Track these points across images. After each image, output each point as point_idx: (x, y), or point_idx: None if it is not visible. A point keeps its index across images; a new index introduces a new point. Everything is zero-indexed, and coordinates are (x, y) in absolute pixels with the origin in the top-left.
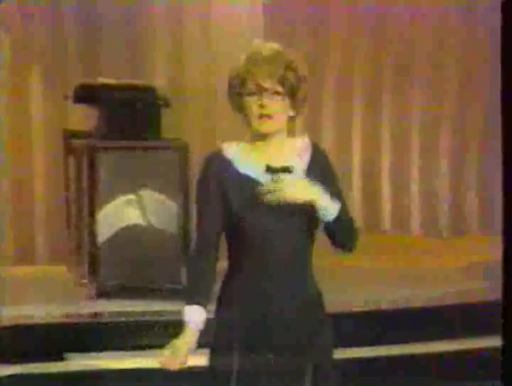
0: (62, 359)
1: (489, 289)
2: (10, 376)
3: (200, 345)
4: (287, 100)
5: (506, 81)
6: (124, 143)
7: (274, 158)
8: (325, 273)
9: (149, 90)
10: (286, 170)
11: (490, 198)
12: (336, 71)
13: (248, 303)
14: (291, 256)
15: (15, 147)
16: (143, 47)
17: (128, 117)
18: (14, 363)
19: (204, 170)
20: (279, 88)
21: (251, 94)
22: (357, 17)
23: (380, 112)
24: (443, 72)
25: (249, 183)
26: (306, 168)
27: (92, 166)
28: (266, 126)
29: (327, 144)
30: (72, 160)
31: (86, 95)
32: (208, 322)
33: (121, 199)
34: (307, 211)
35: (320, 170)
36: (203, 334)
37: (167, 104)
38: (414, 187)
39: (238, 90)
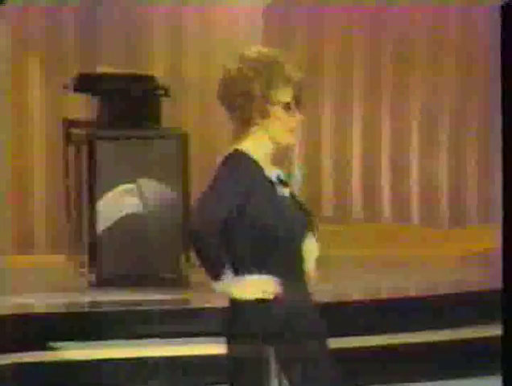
0: (61, 347)
1: (488, 278)
2: (9, 365)
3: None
4: None
5: (506, 75)
6: (124, 132)
7: (275, 168)
8: (325, 263)
9: (148, 79)
10: (285, 182)
11: (490, 188)
12: (337, 64)
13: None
14: (301, 251)
15: (15, 136)
16: (142, 45)
17: (128, 106)
18: (14, 351)
19: (235, 166)
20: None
21: (287, 106)
22: (356, 16)
23: (380, 103)
24: (444, 66)
25: (272, 188)
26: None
27: (91, 155)
28: (292, 139)
29: (327, 136)
30: (71, 149)
31: (86, 84)
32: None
33: (121, 187)
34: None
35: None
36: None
37: (166, 94)
38: (415, 178)
39: (260, 97)
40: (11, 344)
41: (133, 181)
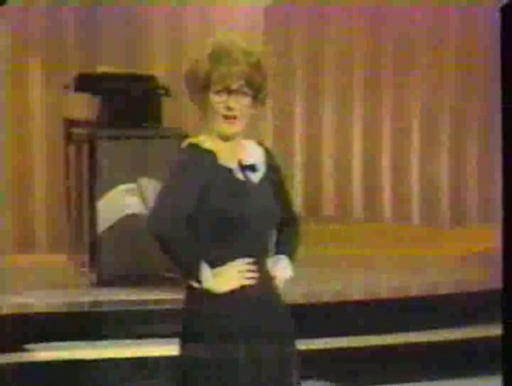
0: (62, 347)
1: (488, 278)
2: (9, 365)
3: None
4: (252, 100)
5: (506, 75)
6: (124, 132)
7: (243, 154)
8: (325, 262)
9: (149, 79)
10: (253, 168)
11: (490, 188)
12: (337, 64)
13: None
14: (265, 242)
15: (15, 136)
16: (142, 45)
17: (128, 106)
18: (14, 351)
19: (188, 158)
20: (246, 90)
21: (218, 93)
22: (356, 15)
23: (380, 103)
24: (444, 66)
25: (228, 175)
26: (264, 167)
27: (92, 154)
28: (230, 128)
29: (328, 135)
30: (72, 149)
31: (86, 84)
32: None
33: (122, 187)
34: (274, 204)
35: (274, 171)
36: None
37: (167, 93)
38: (415, 178)
39: (202, 86)
40: (11, 344)
41: (133, 181)
